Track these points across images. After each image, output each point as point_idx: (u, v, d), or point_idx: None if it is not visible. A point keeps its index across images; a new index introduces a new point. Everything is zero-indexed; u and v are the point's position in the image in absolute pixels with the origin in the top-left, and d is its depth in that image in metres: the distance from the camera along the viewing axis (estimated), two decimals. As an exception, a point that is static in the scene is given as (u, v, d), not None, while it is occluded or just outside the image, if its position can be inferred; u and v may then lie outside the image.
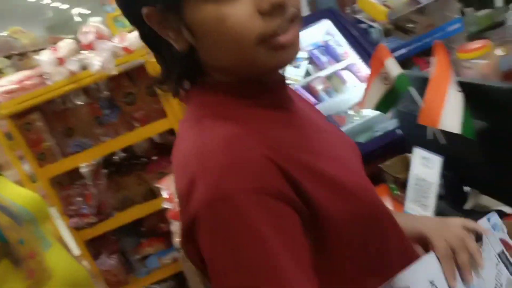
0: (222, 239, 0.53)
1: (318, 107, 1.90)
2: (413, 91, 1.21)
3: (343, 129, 1.85)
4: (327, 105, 1.91)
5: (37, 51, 7.37)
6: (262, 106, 0.65)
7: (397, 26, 2.02)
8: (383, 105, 1.35)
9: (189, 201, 0.56)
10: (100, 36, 2.05)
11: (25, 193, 1.31)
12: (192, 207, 0.55)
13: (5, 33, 7.12)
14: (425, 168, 1.27)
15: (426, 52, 2.04)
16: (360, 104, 1.34)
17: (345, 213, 0.61)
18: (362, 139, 1.81)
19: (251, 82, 0.65)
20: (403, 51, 1.93)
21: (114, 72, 2.00)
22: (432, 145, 1.26)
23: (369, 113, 1.82)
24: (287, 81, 0.72)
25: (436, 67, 1.08)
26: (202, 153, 0.57)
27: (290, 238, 0.54)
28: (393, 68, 1.22)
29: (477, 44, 1.91)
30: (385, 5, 1.93)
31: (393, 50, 1.94)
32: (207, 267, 0.56)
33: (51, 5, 13.23)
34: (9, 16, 10.67)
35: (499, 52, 1.97)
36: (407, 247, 0.77)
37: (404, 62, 1.99)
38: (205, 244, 0.55)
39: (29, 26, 9.36)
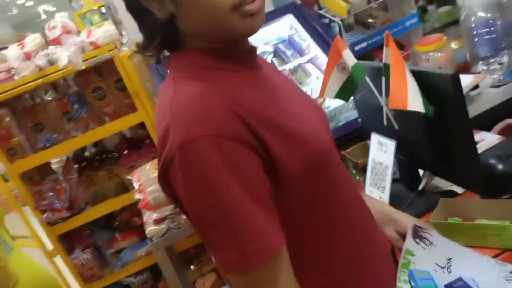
0: (189, 175, 0.64)
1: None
2: (368, 80, 1.29)
3: (308, 119, 1.93)
4: (292, 97, 1.98)
5: (2, 49, 7.21)
6: (231, 70, 0.75)
7: (358, 21, 2.12)
8: (343, 94, 1.42)
9: (164, 146, 0.67)
10: (67, 31, 2.06)
11: None
12: (166, 150, 0.66)
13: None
14: (381, 152, 1.36)
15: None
16: (320, 94, 1.41)
17: (298, 159, 0.71)
18: (326, 128, 1.89)
19: (223, 49, 0.74)
20: (363, 44, 2.02)
21: (82, 66, 2.02)
22: (388, 131, 1.34)
23: (332, 103, 1.90)
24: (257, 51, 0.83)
25: (391, 56, 1.16)
26: (175, 107, 0.68)
27: (246, 174, 0.65)
28: (350, 58, 1.30)
29: (433, 38, 2.02)
30: (346, 1, 2.01)
31: (355, 44, 2.04)
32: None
33: (17, 2, 12.87)
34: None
35: (453, 45, 2.09)
36: (363, 203, 0.88)
37: (365, 55, 2.08)
38: (176, 180, 0.66)
39: (-7, 23, 9.11)
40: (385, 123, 1.33)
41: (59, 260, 2.37)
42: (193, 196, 0.66)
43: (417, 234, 0.97)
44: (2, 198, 2.35)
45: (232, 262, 0.65)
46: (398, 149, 1.37)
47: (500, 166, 1.18)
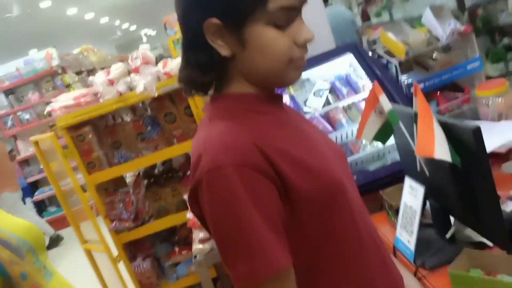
0: (213, 196, 0.76)
1: (334, 134, 2.04)
2: (401, 126, 1.33)
3: (357, 156, 1.98)
4: (343, 133, 2.04)
5: (106, 67, 8.01)
6: (261, 112, 0.87)
7: (418, 62, 2.13)
8: (380, 136, 1.47)
9: (195, 171, 0.79)
10: (146, 62, 2.32)
11: (22, 223, 1.25)
12: (197, 174, 0.78)
13: (77, 50, 7.80)
14: (412, 196, 1.37)
15: (444, 88, 2.13)
16: (357, 136, 1.46)
17: (311, 187, 0.81)
18: (373, 167, 1.92)
19: (258, 95, 0.87)
20: (421, 86, 2.02)
21: (155, 94, 2.25)
22: (420, 177, 1.36)
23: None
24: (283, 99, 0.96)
25: (419, 105, 1.20)
26: (206, 139, 0.81)
27: (261, 199, 0.76)
28: (386, 104, 1.35)
29: (494, 83, 1.98)
30: (405, 43, 2.05)
31: (411, 85, 2.05)
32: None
33: (122, 26, 14.16)
34: (82, 35, 11.58)
35: (518, 90, 2.02)
36: (377, 236, 0.94)
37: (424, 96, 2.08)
38: (203, 200, 0.78)
39: (99, 44, 10.18)
40: (418, 168, 1.35)
41: (122, 266, 2.59)
42: (215, 214, 0.77)
43: None
44: (81, 207, 2.64)
45: (243, 275, 0.76)
46: (431, 195, 1.38)
47: (528, 223, 1.15)
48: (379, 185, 1.80)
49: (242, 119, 0.84)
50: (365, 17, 6.69)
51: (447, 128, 1.15)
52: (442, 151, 1.14)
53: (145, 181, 2.73)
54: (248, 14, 0.79)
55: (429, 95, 2.12)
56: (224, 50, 0.82)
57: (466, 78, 2.13)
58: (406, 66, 2.15)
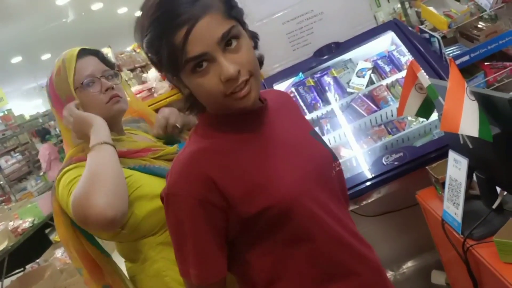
0: (169, 216, 0.98)
1: (379, 113, 2.07)
2: (441, 100, 1.35)
3: (403, 133, 2.00)
4: (388, 112, 2.06)
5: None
6: (232, 131, 0.99)
7: (462, 34, 2.09)
8: (423, 112, 1.50)
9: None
10: (194, 56, 2.44)
11: None
12: (163, 190, 0.98)
13: (129, 49, 8.12)
14: (456, 169, 1.40)
15: (492, 58, 2.08)
16: (398, 113, 1.50)
17: (258, 208, 0.93)
18: (420, 143, 1.94)
19: (227, 116, 0.99)
20: (465, 58, 2.00)
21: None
22: (464, 149, 1.38)
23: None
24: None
25: (450, 79, 1.22)
26: (176, 161, 0.98)
27: (201, 227, 0.94)
28: (424, 80, 1.38)
29: (544, 48, 1.92)
30: (447, 15, 2.02)
31: (456, 58, 2.03)
32: None
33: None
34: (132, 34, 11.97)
35: None
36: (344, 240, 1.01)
37: (468, 68, 2.06)
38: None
39: (150, 40, 10.49)
40: (461, 141, 1.37)
41: None
42: (169, 227, 0.98)
43: None
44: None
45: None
46: (476, 167, 1.40)
47: None
48: (427, 160, 1.81)
49: (213, 139, 0.98)
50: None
51: (484, 99, 1.16)
52: (468, 126, 1.15)
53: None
54: (179, 69, 0.90)
55: (475, 66, 2.09)
56: (183, 91, 0.99)
57: (515, 46, 2.07)
58: (450, 39, 2.13)
